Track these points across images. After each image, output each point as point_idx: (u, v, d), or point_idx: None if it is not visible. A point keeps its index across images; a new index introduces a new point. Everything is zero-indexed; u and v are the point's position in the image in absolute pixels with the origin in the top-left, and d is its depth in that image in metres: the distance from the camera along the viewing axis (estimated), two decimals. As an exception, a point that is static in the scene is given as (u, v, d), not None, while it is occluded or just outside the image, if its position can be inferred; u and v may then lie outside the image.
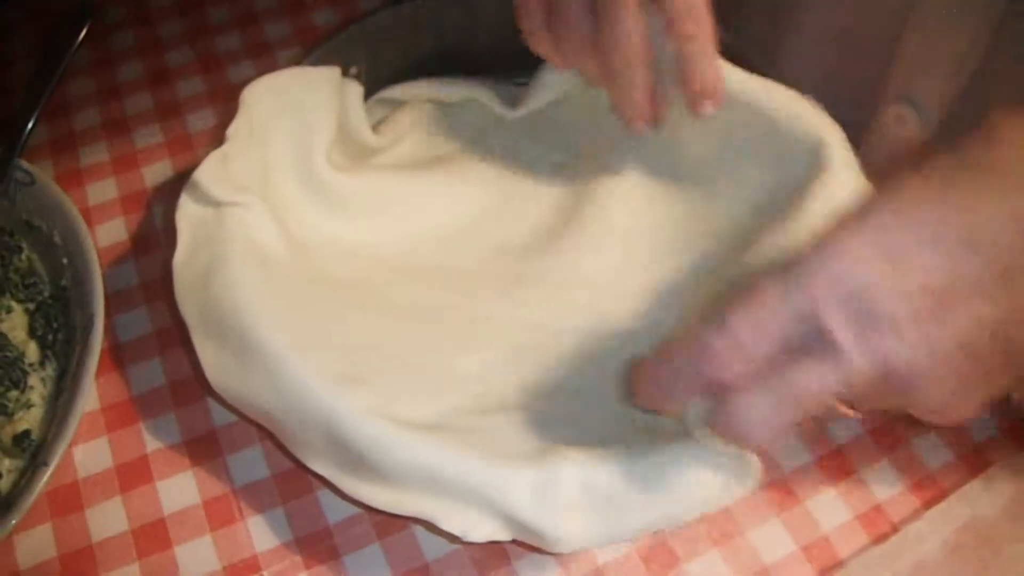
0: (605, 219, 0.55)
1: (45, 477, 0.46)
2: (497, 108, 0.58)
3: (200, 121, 0.67)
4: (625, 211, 0.55)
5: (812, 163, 0.49)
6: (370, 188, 0.55)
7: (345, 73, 0.54)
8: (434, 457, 0.42)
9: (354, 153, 0.56)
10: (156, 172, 0.64)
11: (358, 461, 0.43)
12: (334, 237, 0.53)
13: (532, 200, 0.57)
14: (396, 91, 0.57)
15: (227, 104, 0.67)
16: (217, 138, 0.64)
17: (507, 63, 0.57)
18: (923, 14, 0.55)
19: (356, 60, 0.56)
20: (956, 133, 0.50)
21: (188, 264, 0.48)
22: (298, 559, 0.49)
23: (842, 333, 0.35)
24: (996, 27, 0.53)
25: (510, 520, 0.42)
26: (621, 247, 0.54)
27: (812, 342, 0.35)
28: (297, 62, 0.55)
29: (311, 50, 0.58)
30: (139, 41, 0.71)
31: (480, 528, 0.42)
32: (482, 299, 0.53)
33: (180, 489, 0.51)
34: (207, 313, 0.47)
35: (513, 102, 0.58)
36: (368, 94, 0.58)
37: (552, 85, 0.56)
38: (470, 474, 0.42)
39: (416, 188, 0.56)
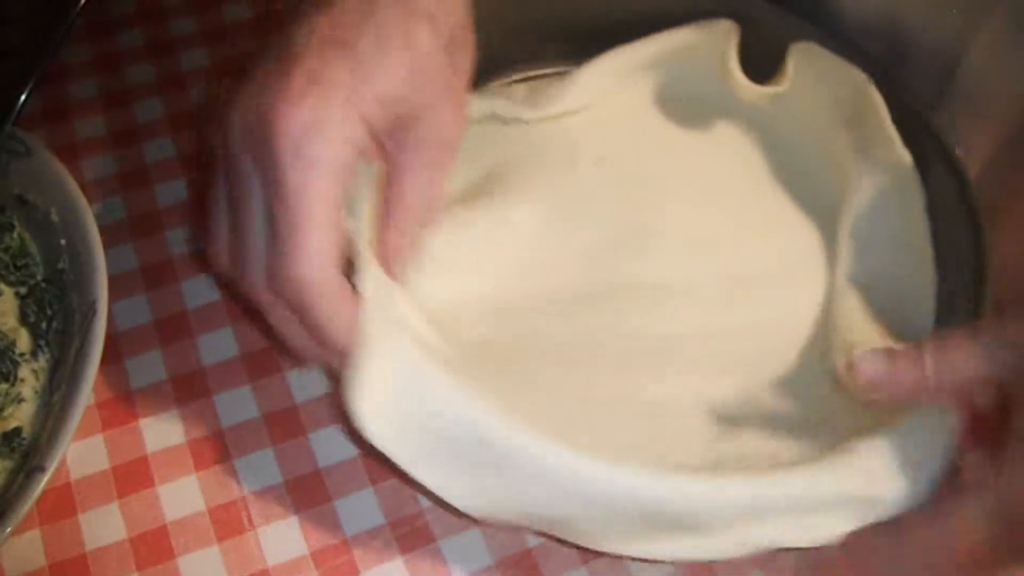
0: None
1: (42, 483, 0.41)
2: (517, 112, 0.56)
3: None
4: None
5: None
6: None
7: None
8: (749, 488, 0.41)
9: None
10: (157, 147, 0.60)
11: (674, 523, 0.41)
12: (444, 301, 0.49)
13: (589, 202, 0.55)
14: None
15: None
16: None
17: (497, 75, 0.58)
18: (974, 56, 0.54)
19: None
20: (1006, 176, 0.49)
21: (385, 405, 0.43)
22: (314, 574, 0.45)
23: None
24: None
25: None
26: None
27: None
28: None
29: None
30: (141, 7, 0.67)
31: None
32: (615, 314, 0.51)
33: (184, 494, 0.47)
34: (428, 441, 0.42)
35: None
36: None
37: (577, 93, 0.56)
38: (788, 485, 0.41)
39: (481, 228, 0.52)
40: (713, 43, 0.56)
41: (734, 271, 0.52)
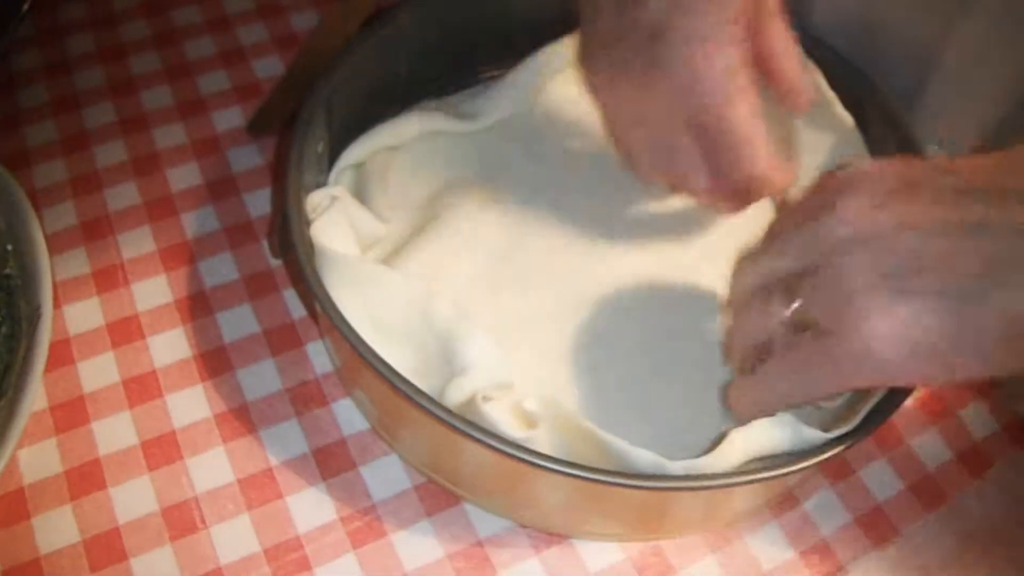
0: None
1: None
2: (456, 127, 0.57)
3: (156, 99, 0.63)
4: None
5: None
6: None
7: (314, 148, 0.51)
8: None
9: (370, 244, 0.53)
10: (109, 152, 0.60)
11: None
12: None
13: (545, 200, 0.55)
14: (353, 154, 0.54)
15: (184, 81, 0.64)
16: (170, 118, 0.61)
17: (426, 89, 0.59)
18: (954, 53, 0.54)
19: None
20: None
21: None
22: (266, 571, 0.46)
23: None
24: None
25: None
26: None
27: None
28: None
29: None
30: (91, 12, 0.67)
31: None
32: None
33: (136, 496, 0.47)
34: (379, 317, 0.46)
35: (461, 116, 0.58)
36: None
37: (511, 99, 0.57)
38: None
39: (445, 239, 0.53)
40: None
41: (688, 240, 0.54)
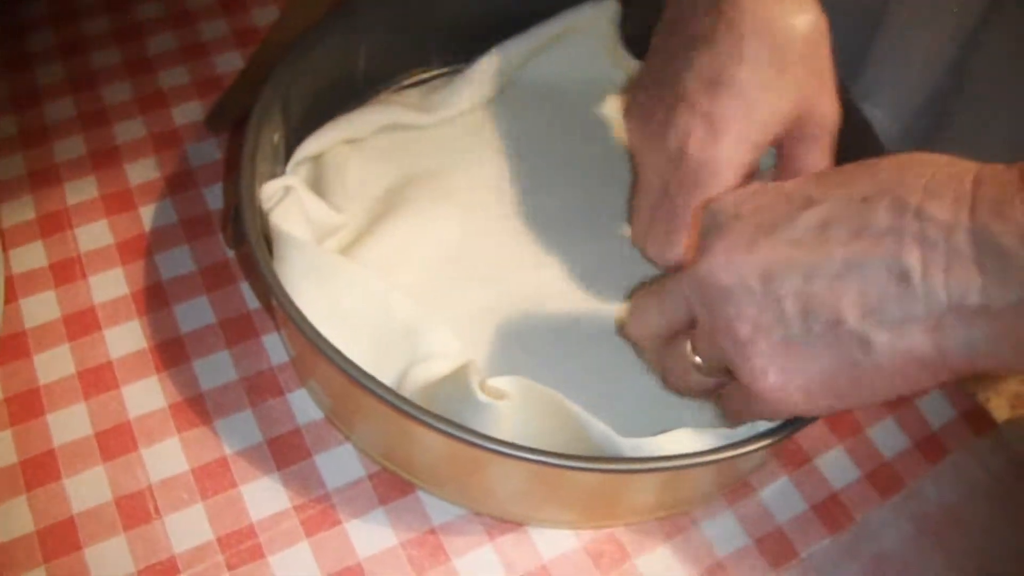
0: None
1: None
2: (414, 120, 0.57)
3: (116, 94, 0.63)
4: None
5: None
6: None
7: (269, 140, 0.51)
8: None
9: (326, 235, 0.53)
10: (68, 146, 0.60)
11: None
12: None
13: (500, 194, 0.56)
14: (311, 146, 0.54)
15: (145, 76, 0.64)
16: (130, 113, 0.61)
17: (385, 82, 0.60)
18: (896, 15, 0.55)
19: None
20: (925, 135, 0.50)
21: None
22: (220, 559, 0.46)
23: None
24: (972, 30, 0.53)
25: None
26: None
27: None
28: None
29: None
30: (52, 9, 0.67)
31: None
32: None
33: (90, 486, 0.47)
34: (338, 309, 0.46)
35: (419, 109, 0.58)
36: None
37: (471, 92, 0.58)
38: None
39: (404, 230, 0.53)
40: (594, 25, 0.58)
41: None
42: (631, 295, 0.47)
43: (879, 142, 0.53)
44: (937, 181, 0.34)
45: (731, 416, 0.43)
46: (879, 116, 0.57)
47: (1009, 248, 0.32)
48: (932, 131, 0.57)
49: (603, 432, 0.42)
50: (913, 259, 0.34)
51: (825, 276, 0.36)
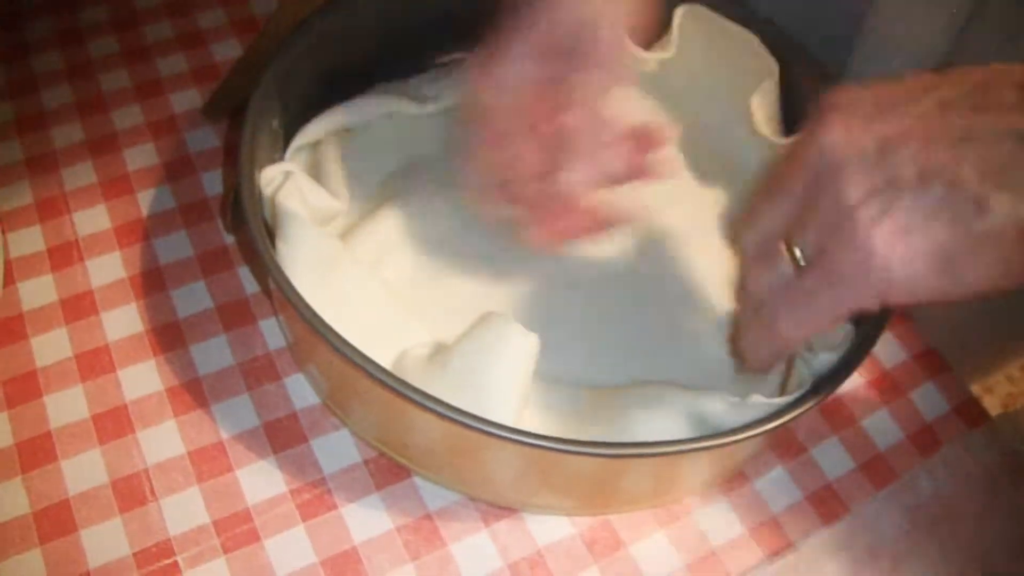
0: None
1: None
2: (413, 110, 0.57)
3: (114, 81, 0.63)
4: None
5: None
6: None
7: (268, 125, 0.51)
8: None
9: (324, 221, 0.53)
10: (66, 133, 0.60)
11: None
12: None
13: None
14: (309, 134, 0.54)
15: (143, 64, 0.64)
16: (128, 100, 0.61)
17: (384, 71, 0.59)
18: (885, 7, 0.55)
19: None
20: None
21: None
22: (215, 543, 0.46)
23: None
24: (961, 23, 0.53)
25: None
26: None
27: None
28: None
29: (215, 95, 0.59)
30: (60, 31, 0.67)
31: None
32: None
33: (87, 468, 0.47)
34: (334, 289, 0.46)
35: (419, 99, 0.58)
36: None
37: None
38: None
39: (402, 216, 0.53)
40: None
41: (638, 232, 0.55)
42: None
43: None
44: None
45: (754, 355, 0.43)
46: None
47: None
48: None
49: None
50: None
51: (946, 141, 0.36)
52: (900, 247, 0.36)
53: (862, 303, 0.38)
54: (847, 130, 0.38)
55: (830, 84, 0.54)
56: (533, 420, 0.46)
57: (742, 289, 0.43)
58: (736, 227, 0.44)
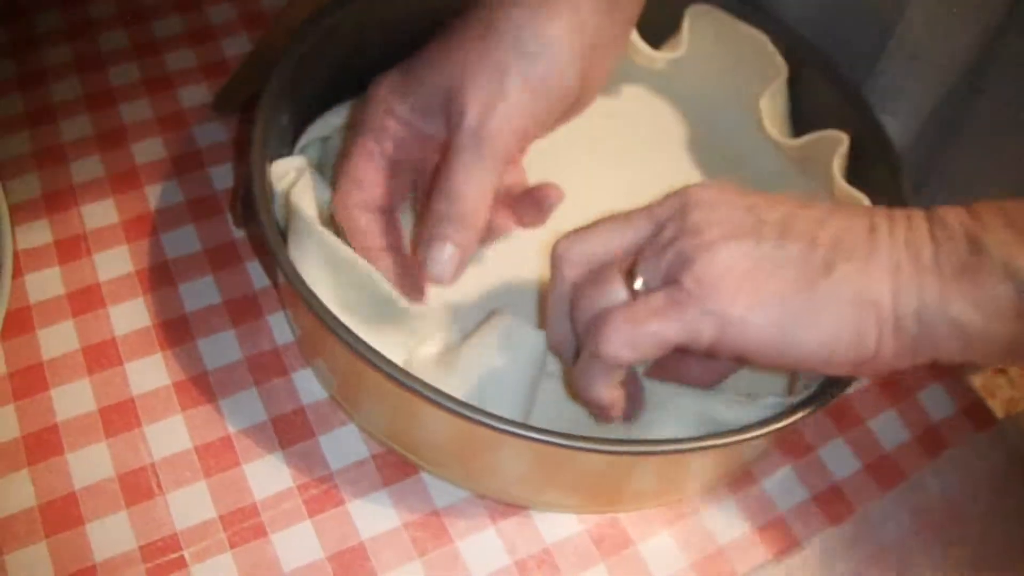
0: None
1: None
2: None
3: (123, 75, 0.63)
4: None
5: None
6: None
7: (278, 120, 0.51)
8: None
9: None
10: (75, 126, 0.60)
11: None
12: None
13: None
14: (318, 129, 0.54)
15: (152, 58, 0.64)
16: (136, 94, 0.61)
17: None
18: (911, 22, 0.55)
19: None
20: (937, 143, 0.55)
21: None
22: (222, 537, 0.46)
23: None
24: (988, 39, 0.53)
25: None
26: None
27: None
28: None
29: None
30: (69, 24, 0.66)
31: None
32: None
33: (93, 462, 0.47)
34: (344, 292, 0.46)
35: None
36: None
37: None
38: None
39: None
40: None
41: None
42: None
43: (892, 147, 0.53)
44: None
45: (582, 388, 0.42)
46: (891, 123, 0.57)
47: (952, 225, 0.37)
48: (944, 138, 0.57)
49: None
50: (881, 220, 0.39)
51: (807, 218, 0.39)
52: (746, 289, 0.37)
53: (694, 336, 0.38)
54: (721, 190, 0.40)
55: (843, 85, 0.55)
56: (541, 418, 0.46)
57: (567, 312, 0.42)
58: (565, 240, 0.42)
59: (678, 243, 0.39)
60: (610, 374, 0.40)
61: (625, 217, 0.42)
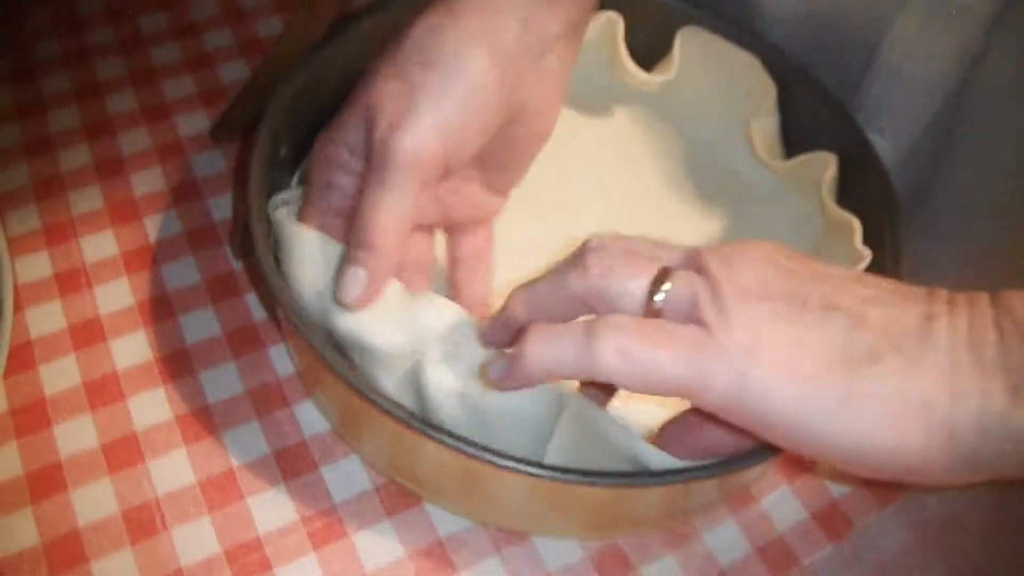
0: None
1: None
2: None
3: (121, 104, 0.63)
4: None
5: None
6: None
7: (277, 152, 0.51)
8: None
9: None
10: (73, 156, 0.60)
11: None
12: None
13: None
14: None
15: (149, 86, 0.64)
16: (135, 123, 0.61)
17: None
18: (897, 39, 0.55)
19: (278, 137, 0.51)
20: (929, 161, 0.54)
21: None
22: (227, 572, 0.46)
23: None
24: (974, 55, 0.53)
25: None
26: None
27: None
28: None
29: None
30: (56, 19, 0.67)
31: None
32: None
33: (97, 498, 0.47)
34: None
35: None
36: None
37: None
38: None
39: None
40: (601, 36, 0.58)
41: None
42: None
43: (882, 164, 0.53)
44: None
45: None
46: (881, 142, 0.57)
47: (1021, 316, 0.33)
48: (936, 157, 0.58)
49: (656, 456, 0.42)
50: (940, 307, 0.34)
51: (857, 295, 0.35)
52: (778, 354, 0.34)
53: (702, 383, 0.35)
54: (774, 249, 0.38)
55: (831, 103, 0.55)
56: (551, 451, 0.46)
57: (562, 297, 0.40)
58: (604, 237, 0.40)
59: (717, 284, 0.36)
60: (544, 374, 0.38)
61: (672, 246, 0.39)
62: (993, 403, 0.32)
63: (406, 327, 0.44)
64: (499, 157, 0.48)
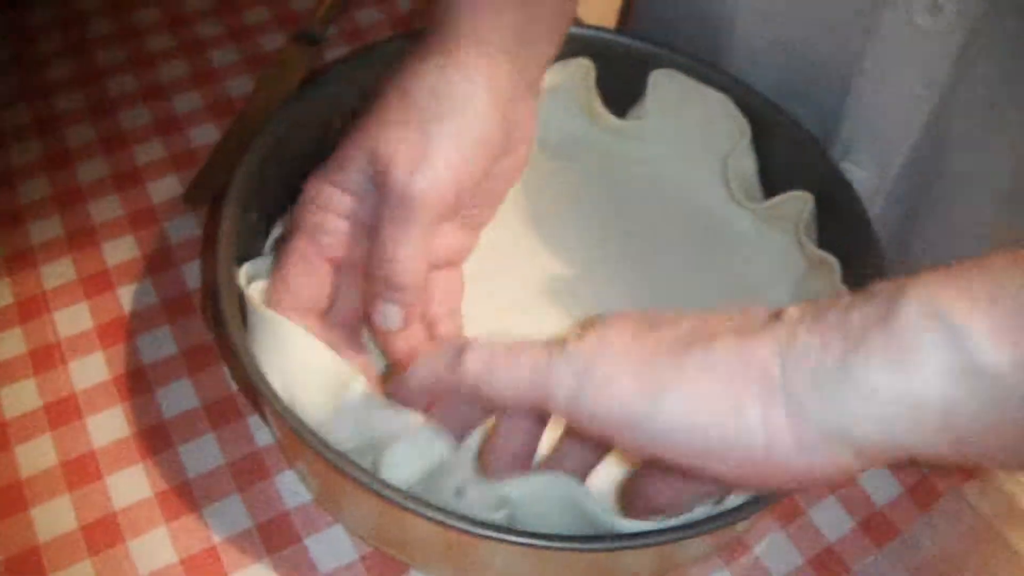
0: None
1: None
2: None
3: (91, 171, 0.63)
4: None
5: None
6: None
7: (245, 217, 0.50)
8: None
9: None
10: (44, 227, 0.60)
11: None
12: None
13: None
14: (287, 223, 0.53)
15: (120, 152, 0.63)
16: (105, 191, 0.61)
17: None
18: (870, 69, 0.55)
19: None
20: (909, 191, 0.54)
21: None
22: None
23: None
24: (947, 82, 0.53)
25: None
26: None
27: None
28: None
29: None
30: (24, 85, 0.67)
31: None
32: None
33: (56, 516, 0.48)
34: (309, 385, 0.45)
35: None
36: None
37: None
38: None
39: None
40: (574, 82, 0.58)
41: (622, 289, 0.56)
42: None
43: (859, 199, 0.53)
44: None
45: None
46: (859, 172, 0.57)
47: (875, 289, 0.32)
48: (924, 183, 0.57)
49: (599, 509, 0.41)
50: (795, 309, 0.34)
51: (715, 317, 0.36)
52: (618, 351, 0.35)
53: (548, 390, 0.36)
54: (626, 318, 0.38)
55: (806, 141, 0.55)
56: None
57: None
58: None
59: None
60: (420, 388, 0.41)
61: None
62: (828, 357, 0.31)
63: (363, 428, 0.44)
64: (479, 192, 0.48)
